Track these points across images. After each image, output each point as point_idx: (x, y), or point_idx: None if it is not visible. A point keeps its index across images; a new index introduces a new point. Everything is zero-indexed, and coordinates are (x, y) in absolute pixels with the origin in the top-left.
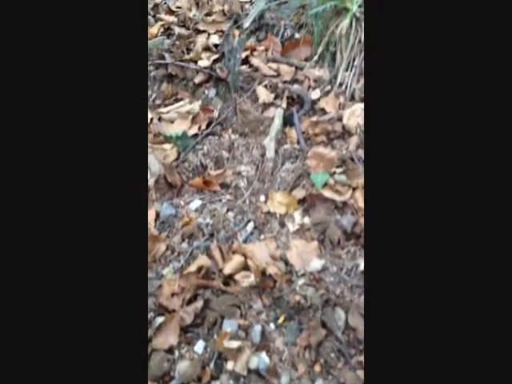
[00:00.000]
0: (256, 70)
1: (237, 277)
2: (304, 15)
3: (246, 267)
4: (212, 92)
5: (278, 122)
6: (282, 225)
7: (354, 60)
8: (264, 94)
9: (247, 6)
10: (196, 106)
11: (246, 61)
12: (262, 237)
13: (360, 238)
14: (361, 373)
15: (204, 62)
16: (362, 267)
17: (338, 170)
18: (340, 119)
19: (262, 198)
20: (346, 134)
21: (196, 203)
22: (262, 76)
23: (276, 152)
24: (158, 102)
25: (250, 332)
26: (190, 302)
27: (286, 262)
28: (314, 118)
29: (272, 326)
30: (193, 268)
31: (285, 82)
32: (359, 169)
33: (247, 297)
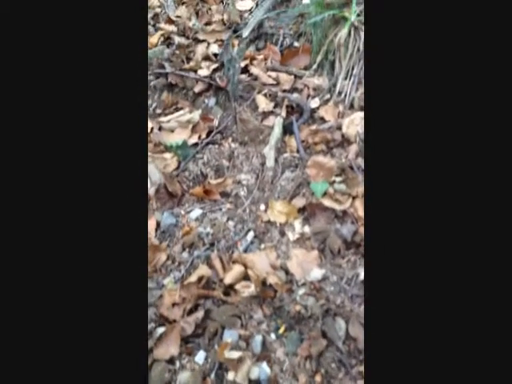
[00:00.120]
0: (255, 78)
1: (237, 287)
2: (303, 24)
3: (246, 277)
4: (212, 101)
5: (277, 131)
6: (282, 234)
7: (352, 69)
8: (263, 103)
9: (246, 15)
10: (196, 115)
11: (245, 70)
12: (263, 246)
13: (360, 247)
14: (361, 383)
15: (204, 72)
16: (362, 276)
17: (338, 179)
18: (339, 128)
19: (262, 206)
20: (345, 142)
21: (196, 212)
22: (262, 85)
23: (276, 161)
24: (158, 111)
25: (251, 342)
26: (190, 312)
27: (287, 272)
28: (314, 127)
29: (273, 336)
30: (193, 278)
31: (284, 91)
32: (359, 177)
33: (248, 307)
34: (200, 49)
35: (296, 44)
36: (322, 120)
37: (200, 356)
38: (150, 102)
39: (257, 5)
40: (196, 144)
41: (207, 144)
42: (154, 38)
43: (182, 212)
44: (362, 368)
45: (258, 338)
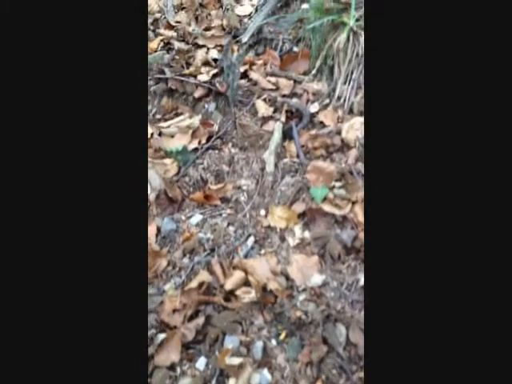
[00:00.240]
0: (255, 83)
1: (238, 292)
2: (302, 29)
3: (246, 283)
4: (212, 106)
5: (277, 136)
6: (283, 239)
7: (351, 73)
8: (263, 108)
9: (246, 20)
10: (196, 120)
11: (244, 75)
12: (263, 251)
13: (360, 252)
14: None
15: (203, 77)
16: (362, 282)
17: (338, 184)
18: (339, 132)
19: (263, 212)
20: (344, 147)
21: (197, 218)
22: (261, 90)
23: (276, 166)
24: (158, 116)
25: (252, 348)
26: (191, 318)
27: (287, 277)
28: (313, 132)
29: (273, 342)
30: (194, 284)
31: (284, 96)
32: (358, 183)
33: (248, 313)
34: (200, 54)
35: (295, 49)
36: (322, 125)
37: (201, 362)
38: (150, 107)
39: (256, 10)
40: (196, 149)
41: (207, 149)
42: (153, 44)
43: (183, 217)
44: (362, 374)
45: (259, 344)
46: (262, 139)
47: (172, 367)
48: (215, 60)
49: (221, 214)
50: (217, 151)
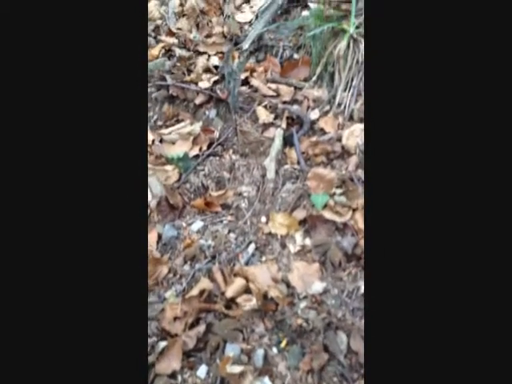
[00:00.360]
0: (256, 90)
1: (239, 300)
2: (302, 36)
3: (247, 290)
4: (213, 113)
5: (278, 143)
6: (284, 246)
7: (352, 80)
8: (264, 115)
9: (246, 27)
10: (197, 127)
11: (245, 81)
12: (264, 258)
13: (361, 259)
14: None
15: (204, 84)
16: (363, 289)
17: (338, 191)
18: (339, 139)
19: (263, 218)
20: (345, 154)
21: (198, 224)
22: (262, 96)
23: (276, 172)
24: (159, 123)
25: (253, 356)
26: (192, 326)
27: (288, 285)
28: (314, 139)
29: (274, 350)
30: (195, 291)
31: (284, 103)
32: (359, 189)
33: (249, 320)
34: (201, 61)
35: (296, 56)
36: (322, 131)
37: (202, 370)
38: (151, 113)
39: (257, 17)
40: (197, 156)
41: (208, 156)
42: (155, 50)
43: (184, 224)
44: (363, 382)
45: (260, 352)
46: (262, 146)
47: (173, 375)
48: (216, 67)
49: (222, 221)
50: (218, 158)
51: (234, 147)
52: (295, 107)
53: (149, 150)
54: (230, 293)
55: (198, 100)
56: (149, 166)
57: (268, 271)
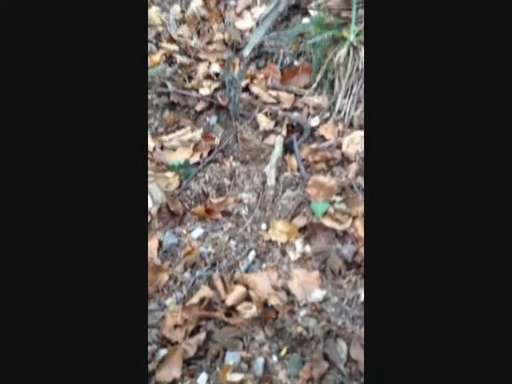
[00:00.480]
0: (256, 97)
1: (239, 308)
2: (303, 43)
3: (248, 298)
4: (213, 119)
5: (278, 150)
6: (284, 253)
7: (351, 88)
8: (264, 122)
9: (247, 34)
10: (198, 133)
11: (246, 88)
12: (264, 266)
13: (361, 267)
14: None
15: (205, 91)
16: (362, 297)
17: (338, 199)
18: (339, 146)
19: (264, 226)
20: (345, 161)
21: (198, 231)
22: (262, 103)
23: (277, 180)
24: (160, 129)
25: (253, 364)
26: (192, 333)
27: (288, 292)
28: (314, 146)
29: (275, 358)
30: (195, 299)
31: (284, 110)
32: (359, 197)
33: (249, 328)
34: (201, 68)
35: (296, 63)
36: (322, 138)
37: (202, 378)
38: (152, 120)
39: (257, 24)
40: (198, 163)
41: (209, 163)
42: (156, 57)
43: (184, 231)
44: None
45: (260, 361)
46: (263, 153)
47: (173, 383)
48: (217, 74)
49: (222, 228)
50: (218, 165)
51: (235, 154)
52: (295, 114)
53: (149, 156)
54: (230, 300)
55: (199, 107)
56: (149, 172)
57: (268, 279)
